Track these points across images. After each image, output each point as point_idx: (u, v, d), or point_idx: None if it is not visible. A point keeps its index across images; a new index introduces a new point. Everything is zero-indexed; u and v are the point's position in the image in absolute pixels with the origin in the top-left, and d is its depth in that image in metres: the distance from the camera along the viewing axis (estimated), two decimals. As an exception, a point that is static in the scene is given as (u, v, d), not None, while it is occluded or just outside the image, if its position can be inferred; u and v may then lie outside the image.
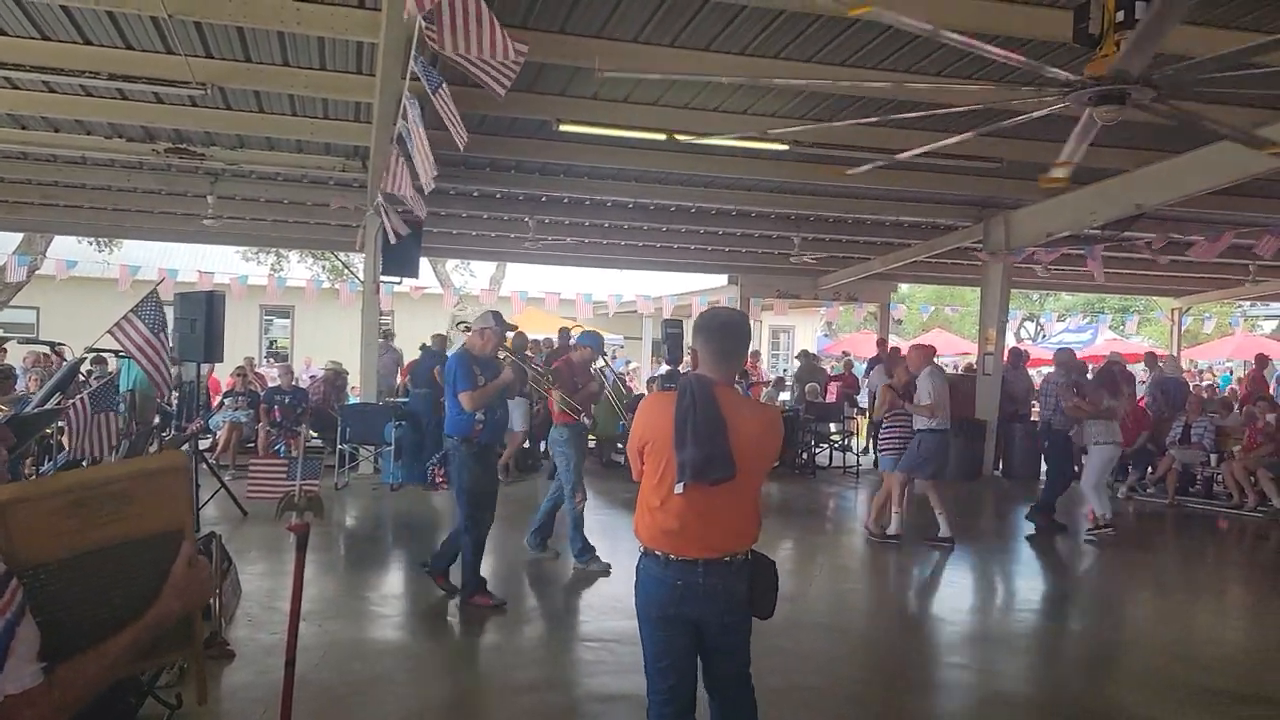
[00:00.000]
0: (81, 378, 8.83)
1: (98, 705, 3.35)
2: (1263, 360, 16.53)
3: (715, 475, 2.86)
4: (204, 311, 7.54)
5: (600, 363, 7.91)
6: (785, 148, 9.55)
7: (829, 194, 12.12)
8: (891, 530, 8.19)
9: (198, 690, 1.91)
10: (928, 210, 12.78)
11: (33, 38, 7.27)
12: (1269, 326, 27.81)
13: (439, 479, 5.71)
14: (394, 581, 6.83)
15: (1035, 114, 5.54)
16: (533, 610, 5.98)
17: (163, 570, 1.79)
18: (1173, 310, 21.79)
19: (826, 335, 29.90)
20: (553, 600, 6.33)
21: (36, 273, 17.24)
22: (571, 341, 8.56)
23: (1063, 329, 30.60)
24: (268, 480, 6.08)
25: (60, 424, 5.02)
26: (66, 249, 18.38)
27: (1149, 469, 11.64)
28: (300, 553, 2.16)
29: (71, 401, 4.81)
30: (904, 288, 28.89)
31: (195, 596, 1.84)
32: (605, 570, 6.78)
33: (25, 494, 1.65)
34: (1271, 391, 16.21)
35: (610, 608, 5.90)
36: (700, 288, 21.13)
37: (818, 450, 13.75)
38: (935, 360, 8.89)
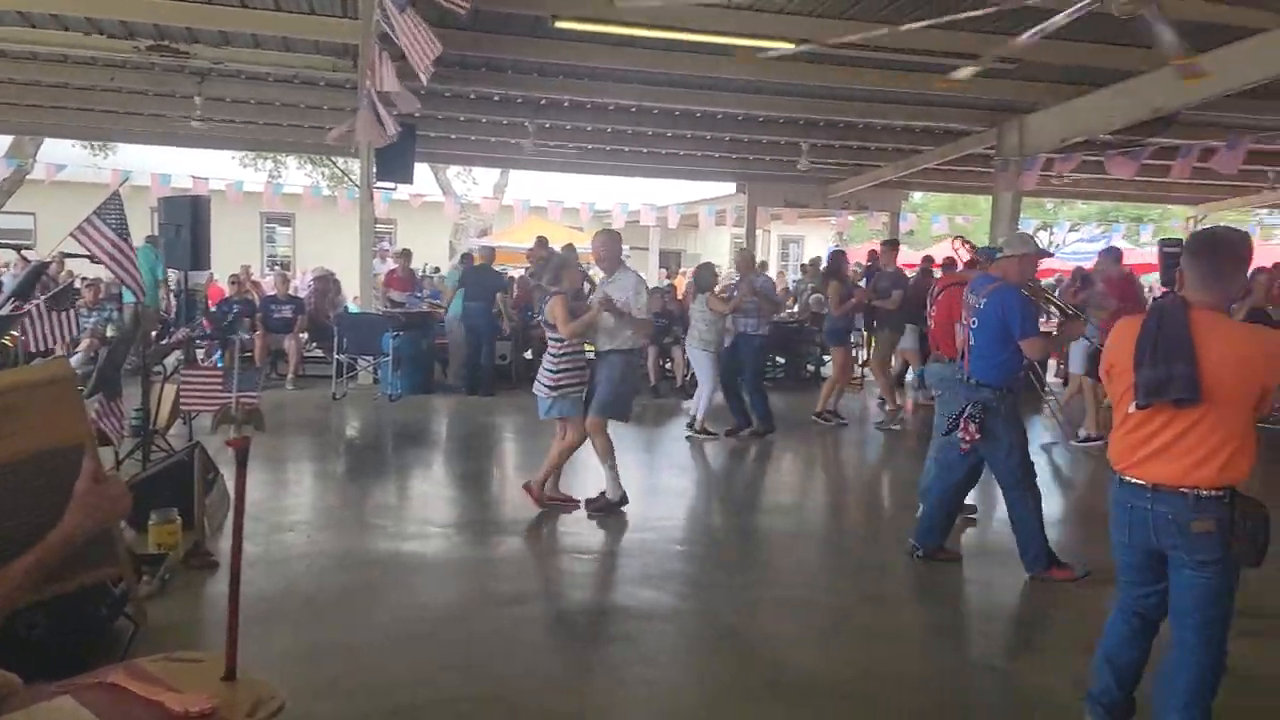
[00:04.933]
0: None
1: (69, 614, 3.30)
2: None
3: (1171, 396, 2.75)
4: (189, 217, 7.34)
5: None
6: (793, 47, 9.14)
7: (839, 98, 11.68)
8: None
9: (135, 611, 1.80)
10: (940, 114, 12.33)
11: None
12: (1286, 237, 27.26)
13: (968, 437, 4.84)
14: (388, 493, 6.78)
15: (1059, 17, 5.18)
16: (521, 523, 5.92)
17: (66, 488, 1.66)
18: (1188, 219, 21.30)
19: (837, 246, 29.51)
20: (550, 515, 6.26)
21: (28, 177, 16.91)
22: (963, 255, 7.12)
23: (1077, 238, 30.12)
24: (202, 392, 5.77)
25: (15, 331, 4.87)
26: (59, 152, 18.02)
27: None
28: (241, 469, 2.02)
29: (29, 307, 4.67)
30: (917, 197, 28.38)
31: (106, 514, 1.72)
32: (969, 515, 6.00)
33: None
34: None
35: (607, 522, 5.84)
36: (707, 196, 20.73)
37: (825, 361, 13.60)
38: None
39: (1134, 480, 2.91)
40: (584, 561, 5.26)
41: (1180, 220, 22.45)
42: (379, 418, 9.53)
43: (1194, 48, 8.77)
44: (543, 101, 12.07)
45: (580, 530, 5.75)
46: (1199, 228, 21.30)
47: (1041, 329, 5.08)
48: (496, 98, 11.97)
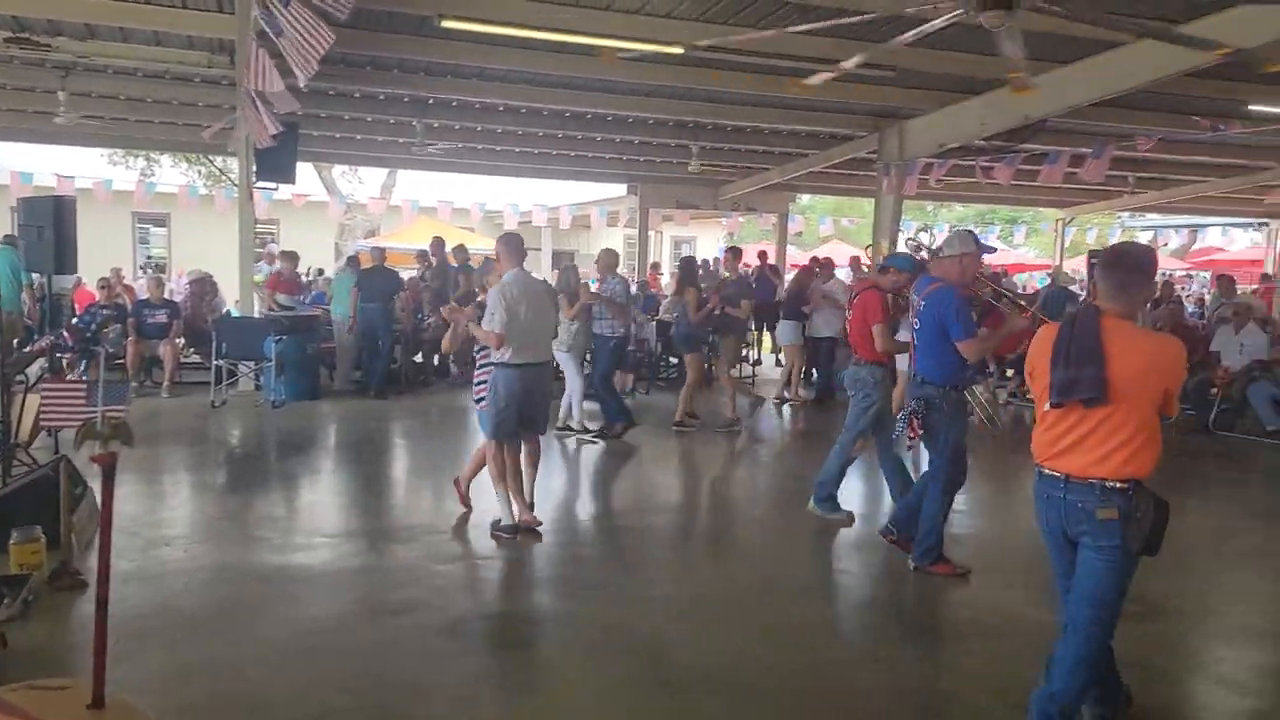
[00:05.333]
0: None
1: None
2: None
3: (1080, 395, 3.02)
4: (52, 218, 6.95)
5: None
6: (681, 51, 9.24)
7: (726, 101, 11.88)
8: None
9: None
10: (824, 120, 12.67)
11: None
12: (1145, 237, 28.97)
13: (913, 433, 5.04)
14: (273, 503, 6.56)
15: (935, 22, 5.37)
16: (412, 530, 5.83)
17: None
18: (1057, 221, 22.46)
19: (729, 247, 29.96)
20: (442, 521, 6.17)
21: None
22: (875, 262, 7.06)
23: (955, 240, 31.30)
24: (64, 405, 5.41)
25: None
26: (-93, 149, 16.85)
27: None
28: (108, 485, 1.93)
29: None
30: (804, 199, 29.16)
31: None
32: (848, 520, 6.09)
33: None
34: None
35: (486, 525, 5.79)
36: (599, 197, 20.78)
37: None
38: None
39: (1051, 472, 3.16)
40: (474, 567, 5.21)
41: (1050, 223, 23.64)
42: (261, 425, 9.22)
43: (1058, 60, 9.38)
44: (430, 101, 11.90)
45: (471, 536, 5.69)
46: (1068, 229, 22.54)
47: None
48: (382, 96, 11.75)
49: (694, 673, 3.84)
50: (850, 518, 6.10)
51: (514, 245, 5.78)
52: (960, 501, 7.04)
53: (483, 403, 5.74)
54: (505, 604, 4.76)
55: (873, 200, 14.08)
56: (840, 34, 7.89)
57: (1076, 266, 22.87)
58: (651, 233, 21.21)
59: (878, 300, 5.90)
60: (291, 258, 12.85)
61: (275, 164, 10.23)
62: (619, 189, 19.11)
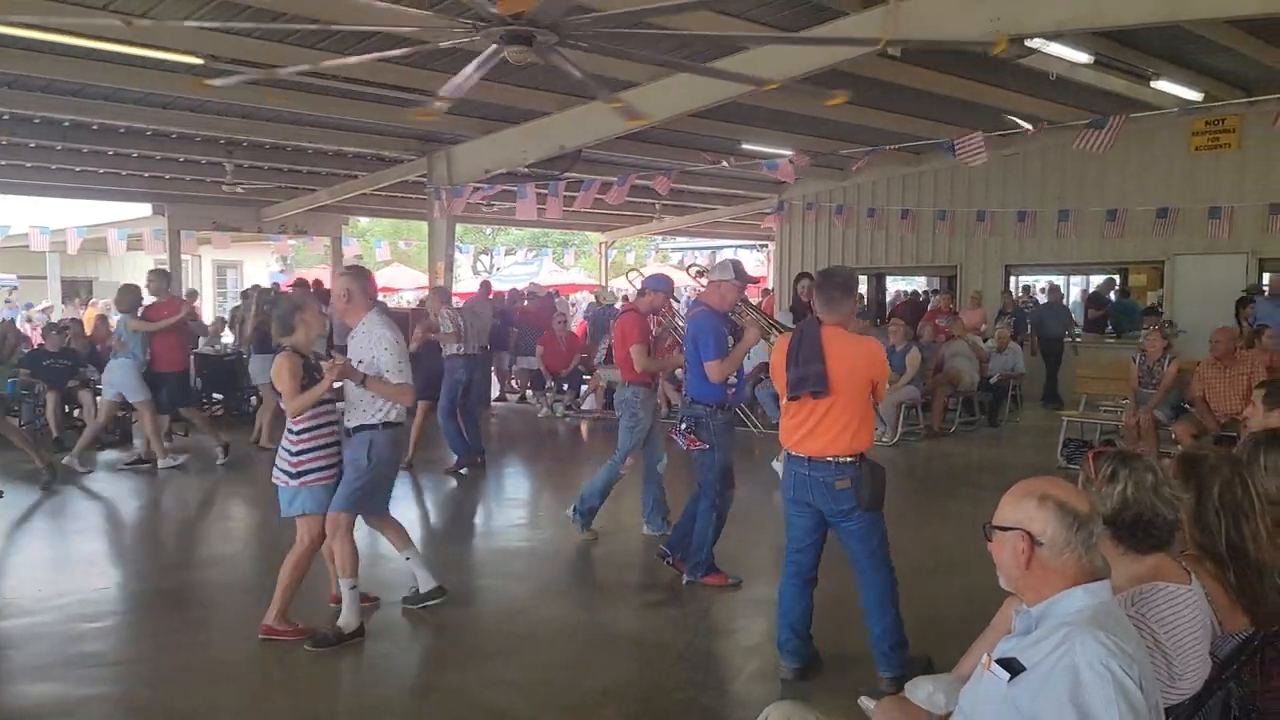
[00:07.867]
0: None
1: None
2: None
3: (809, 390, 3.66)
4: None
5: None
6: (200, 61, 8.41)
7: (263, 118, 11.11)
8: None
9: None
10: (372, 141, 12.39)
11: None
12: (676, 258, 32.40)
13: (693, 446, 5.07)
14: None
15: (443, 44, 5.42)
16: None
17: None
18: (600, 244, 24.25)
19: (282, 271, 28.17)
20: None
21: None
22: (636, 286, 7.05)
23: (513, 261, 32.54)
24: None
25: None
26: None
27: (581, 388, 12.99)
28: None
29: None
30: (363, 221, 28.39)
31: None
32: (593, 539, 6.20)
33: None
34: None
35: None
36: (116, 219, 18.36)
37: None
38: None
39: (796, 454, 3.79)
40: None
41: (595, 245, 25.44)
42: None
43: (589, 96, 10.05)
44: None
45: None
46: (610, 251, 24.42)
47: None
48: None
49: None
50: (595, 536, 6.19)
51: (367, 280, 4.67)
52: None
53: (309, 476, 4.34)
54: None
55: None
56: (338, 48, 7.76)
57: (619, 286, 24.83)
58: (188, 257, 19.26)
59: (635, 323, 6.11)
60: None
61: None
62: (143, 208, 17.03)
